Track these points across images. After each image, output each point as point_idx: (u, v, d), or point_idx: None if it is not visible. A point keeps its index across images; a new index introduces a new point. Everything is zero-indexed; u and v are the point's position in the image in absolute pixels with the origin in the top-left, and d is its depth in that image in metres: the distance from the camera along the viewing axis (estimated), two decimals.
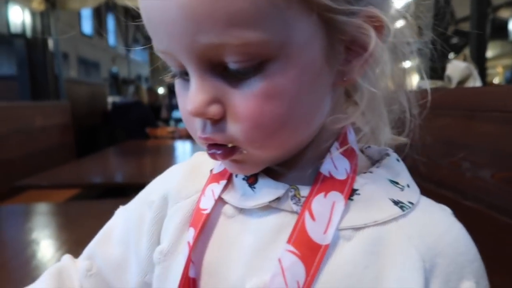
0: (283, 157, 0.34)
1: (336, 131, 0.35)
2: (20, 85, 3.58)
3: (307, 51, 0.29)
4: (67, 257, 0.48)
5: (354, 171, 0.34)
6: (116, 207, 1.82)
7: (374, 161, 0.38)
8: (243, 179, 0.37)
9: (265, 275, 0.32)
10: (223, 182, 0.38)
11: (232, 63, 0.28)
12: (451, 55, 1.14)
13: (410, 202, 0.33)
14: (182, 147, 3.62)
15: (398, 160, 0.38)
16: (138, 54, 17.72)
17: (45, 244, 1.18)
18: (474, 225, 0.82)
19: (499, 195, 0.69)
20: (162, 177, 0.46)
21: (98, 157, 3.03)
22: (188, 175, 0.43)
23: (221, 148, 0.31)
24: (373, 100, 0.34)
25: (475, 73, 1.05)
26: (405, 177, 0.36)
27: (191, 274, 0.35)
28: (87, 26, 11.48)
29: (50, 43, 3.76)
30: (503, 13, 5.98)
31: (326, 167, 0.34)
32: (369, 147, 0.39)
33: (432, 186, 0.92)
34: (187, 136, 4.06)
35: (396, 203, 0.33)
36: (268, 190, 0.34)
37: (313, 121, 0.32)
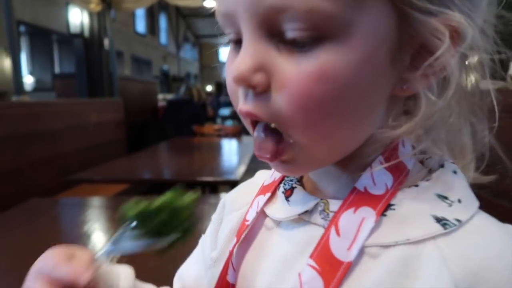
0: (328, 157, 0.32)
1: (384, 144, 0.32)
2: (78, 82, 3.80)
3: (373, 40, 0.27)
4: None
5: (397, 186, 0.31)
6: None
7: (427, 170, 0.34)
8: (282, 192, 0.37)
9: (287, 286, 0.32)
10: (268, 194, 0.38)
11: (291, 31, 0.26)
12: None
13: (457, 220, 0.29)
14: (228, 145, 3.66)
15: (455, 172, 0.33)
16: (187, 52, 18.21)
17: (96, 236, 1.23)
18: None
19: None
20: (233, 190, 0.48)
21: (148, 153, 3.14)
22: (244, 189, 0.45)
23: (270, 144, 0.30)
24: (431, 119, 0.30)
25: None
26: (458, 191, 0.31)
27: (230, 279, 0.37)
28: (140, 25, 11.95)
29: (106, 42, 3.95)
30: None
31: (362, 182, 0.31)
32: (430, 157, 0.34)
33: (490, 196, 0.85)
34: (232, 134, 4.10)
35: (438, 220, 0.29)
36: (299, 203, 0.34)
37: (363, 123, 0.30)
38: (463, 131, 0.33)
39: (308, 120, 0.28)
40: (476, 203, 0.31)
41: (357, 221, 0.30)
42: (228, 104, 8.64)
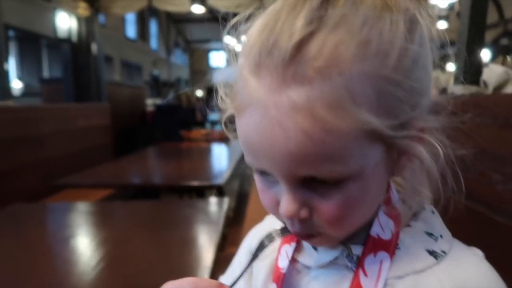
0: (346, 236, 0.41)
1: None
2: (66, 87, 3.77)
3: (375, 168, 0.36)
4: None
5: (398, 230, 0.41)
6: (151, 209, 1.87)
7: (413, 212, 0.44)
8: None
9: None
10: (294, 244, 0.47)
11: (321, 179, 0.35)
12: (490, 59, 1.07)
13: (443, 251, 0.40)
14: (215, 150, 3.66)
15: (433, 212, 0.44)
16: (178, 57, 18.18)
17: (83, 241, 1.22)
18: (504, 243, 0.77)
19: None
20: (249, 238, 0.56)
21: (134, 158, 3.12)
22: (258, 236, 0.52)
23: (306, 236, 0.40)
24: (416, 187, 0.41)
25: None
26: (438, 228, 0.42)
27: None
28: (131, 30, 11.92)
29: (94, 47, 3.93)
30: None
31: (374, 230, 0.41)
32: (410, 198, 0.44)
33: (458, 198, 0.86)
34: (220, 139, 4.10)
35: (431, 253, 0.40)
36: (327, 251, 0.43)
37: (375, 207, 0.41)
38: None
39: (341, 229, 0.38)
40: (450, 235, 0.42)
41: (377, 263, 0.40)
42: (218, 109, 8.61)
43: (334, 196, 0.36)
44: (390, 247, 0.40)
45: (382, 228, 0.41)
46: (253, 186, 2.86)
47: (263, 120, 0.34)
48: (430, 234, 0.41)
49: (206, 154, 3.43)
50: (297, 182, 0.36)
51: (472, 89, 1.04)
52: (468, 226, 0.83)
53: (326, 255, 0.43)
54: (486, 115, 0.81)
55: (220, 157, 3.35)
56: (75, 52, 3.80)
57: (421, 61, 0.38)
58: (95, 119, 3.52)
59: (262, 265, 0.50)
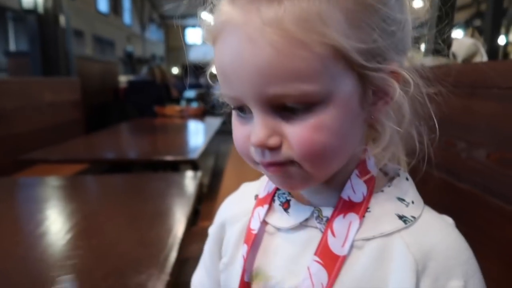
0: (324, 177, 0.41)
1: (356, 160, 0.43)
2: (32, 61, 3.60)
3: (346, 97, 0.37)
4: None
5: (370, 194, 0.42)
6: (123, 182, 1.83)
7: (389, 178, 0.45)
8: (279, 204, 0.47)
9: (299, 278, 0.42)
10: (266, 206, 0.48)
11: (291, 104, 0.36)
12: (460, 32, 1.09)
13: (412, 216, 0.41)
14: (189, 126, 3.62)
15: (407, 179, 0.45)
16: (153, 33, 17.68)
17: (51, 214, 1.19)
18: (468, 208, 0.79)
19: (493, 177, 0.66)
20: (220, 210, 0.57)
21: (107, 133, 3.05)
22: (237, 204, 0.55)
23: (275, 166, 0.39)
24: (393, 134, 0.41)
25: (482, 50, 1.00)
26: (411, 195, 0.43)
27: (246, 279, 0.47)
28: (102, 4, 11.46)
29: (62, 19, 3.76)
30: None
31: (346, 193, 0.42)
32: (386, 165, 0.45)
33: (427, 167, 0.88)
34: (195, 116, 4.05)
35: (400, 217, 0.41)
36: (298, 213, 0.44)
37: (349, 150, 0.40)
38: (413, 137, 0.44)
39: (313, 158, 0.37)
40: (422, 202, 0.43)
41: (346, 224, 0.41)
42: (194, 86, 8.50)
43: (304, 121, 0.36)
44: (360, 209, 0.41)
45: (354, 191, 0.42)
46: (228, 162, 2.86)
47: (235, 39, 0.36)
48: (401, 200, 0.42)
49: (180, 130, 3.39)
50: (268, 107, 0.37)
51: (442, 60, 1.05)
52: (434, 194, 0.85)
53: (296, 217, 0.44)
54: (453, 84, 0.82)
55: (195, 133, 3.32)
56: (41, 24, 3.61)
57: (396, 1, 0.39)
58: (64, 94, 3.39)
59: (235, 229, 0.52)
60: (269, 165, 0.39)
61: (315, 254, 0.41)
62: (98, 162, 2.48)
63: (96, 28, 10.72)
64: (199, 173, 1.64)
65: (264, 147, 0.38)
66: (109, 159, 2.35)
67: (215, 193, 2.25)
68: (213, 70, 0.43)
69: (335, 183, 0.43)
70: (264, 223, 0.48)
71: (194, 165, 2.07)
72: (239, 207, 0.53)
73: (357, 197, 0.42)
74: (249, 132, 0.39)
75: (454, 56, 1.05)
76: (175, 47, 20.47)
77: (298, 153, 0.37)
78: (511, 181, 0.60)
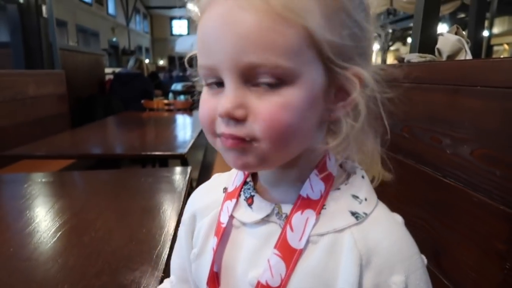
0: (279, 162, 0.43)
1: (316, 159, 0.45)
2: (14, 52, 3.52)
3: (313, 83, 0.40)
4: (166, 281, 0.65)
5: (327, 191, 0.44)
6: (112, 178, 1.81)
7: (347, 175, 0.47)
8: (244, 199, 0.50)
9: (260, 269, 0.45)
10: (234, 200, 0.51)
11: (262, 78, 0.38)
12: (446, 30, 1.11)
13: (364, 213, 0.43)
14: (177, 119, 3.60)
15: (363, 176, 0.47)
16: (138, 24, 17.41)
17: (39, 211, 1.18)
18: (451, 203, 0.82)
19: (475, 173, 0.68)
20: (191, 199, 0.60)
21: (93, 127, 3.02)
22: (208, 195, 0.57)
23: (234, 139, 0.40)
24: (351, 134, 0.43)
25: (467, 46, 1.02)
26: (364, 192, 0.45)
27: (215, 269, 0.50)
28: None
29: (44, 9, 3.67)
30: None
31: (305, 191, 0.45)
32: (346, 162, 0.48)
33: (413, 162, 0.91)
34: (183, 109, 4.03)
35: (353, 214, 0.43)
36: (260, 209, 0.47)
37: (307, 138, 0.43)
38: (370, 139, 0.46)
39: (274, 136, 0.39)
40: (375, 200, 0.45)
41: (304, 220, 0.43)
42: (181, 79, 8.42)
43: (273, 99, 0.39)
44: (317, 206, 0.44)
45: (312, 189, 0.45)
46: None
47: (222, 7, 0.39)
48: (355, 197, 0.44)
49: (168, 124, 3.37)
50: (241, 78, 0.39)
51: (427, 57, 1.07)
52: (420, 189, 0.88)
53: (259, 212, 0.47)
54: (438, 81, 0.84)
55: (183, 127, 3.31)
56: (23, 14, 3.53)
57: (366, 11, 0.43)
58: (48, 87, 3.33)
59: (205, 220, 0.54)
60: (229, 137, 0.41)
61: (275, 247, 0.44)
62: (85, 157, 2.45)
63: (80, 18, 10.50)
64: (189, 169, 1.64)
65: (230, 117, 0.39)
66: (96, 154, 2.32)
67: None
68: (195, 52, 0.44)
69: (295, 179, 0.46)
70: (231, 217, 0.50)
71: (183, 160, 2.07)
72: (209, 198, 0.56)
73: (315, 195, 0.44)
74: (217, 104, 0.40)
75: (440, 52, 1.07)
76: (161, 38, 20.22)
77: (263, 129, 0.39)
78: (494, 177, 0.63)
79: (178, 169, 1.74)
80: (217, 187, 0.56)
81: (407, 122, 0.99)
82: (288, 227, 0.44)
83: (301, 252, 0.43)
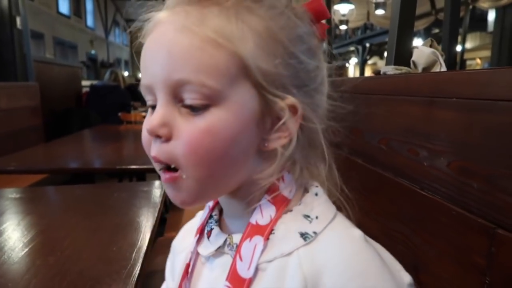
0: (214, 194, 0.45)
1: (266, 186, 0.43)
2: None
3: (242, 110, 0.39)
4: None
5: (279, 215, 0.43)
6: (85, 193, 1.74)
7: (304, 194, 0.46)
8: (206, 233, 0.50)
9: None
10: (197, 236, 0.51)
11: (189, 99, 0.38)
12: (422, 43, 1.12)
13: (314, 232, 0.41)
14: None
15: (316, 194, 0.45)
16: (117, 37, 17.28)
17: (7, 229, 1.11)
18: (430, 216, 0.81)
19: (453, 185, 0.67)
20: (178, 233, 0.61)
21: (68, 141, 2.93)
22: (185, 233, 0.58)
23: (168, 173, 0.41)
24: (287, 162, 0.43)
25: (441, 59, 1.03)
26: (316, 210, 0.43)
27: None
28: (64, 6, 11.09)
29: (19, 20, 3.59)
30: (483, 4, 6.01)
31: (254, 217, 0.43)
32: (307, 182, 0.46)
33: (391, 175, 0.90)
34: None
35: (302, 235, 0.41)
36: (215, 241, 0.47)
37: (238, 168, 0.42)
38: (320, 167, 0.46)
39: (197, 162, 0.39)
40: (330, 216, 0.43)
41: (252, 247, 0.42)
42: None
43: (197, 122, 0.39)
44: (266, 231, 0.42)
45: (262, 214, 0.43)
46: None
47: (160, 30, 0.41)
48: (306, 216, 0.42)
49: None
50: (171, 97, 0.39)
51: (403, 69, 1.08)
52: (399, 202, 0.86)
53: (214, 244, 0.47)
54: (414, 93, 0.84)
55: None
56: None
57: (308, 46, 0.43)
58: (21, 100, 3.23)
59: (180, 258, 0.55)
60: (155, 159, 0.41)
61: (226, 279, 0.42)
62: (59, 172, 2.37)
63: (57, 31, 10.34)
64: None
65: (154, 134, 0.40)
66: (70, 169, 2.24)
67: None
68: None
69: (245, 207, 0.44)
70: (196, 251, 0.51)
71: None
72: (186, 234, 0.57)
73: (264, 220, 0.43)
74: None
75: (415, 65, 1.08)
76: (141, 51, 20.06)
77: (183, 152, 0.39)
78: (472, 189, 0.62)
79: (155, 183, 1.69)
80: (195, 225, 0.55)
81: (384, 134, 0.98)
82: (237, 257, 0.42)
83: (250, 281, 0.41)
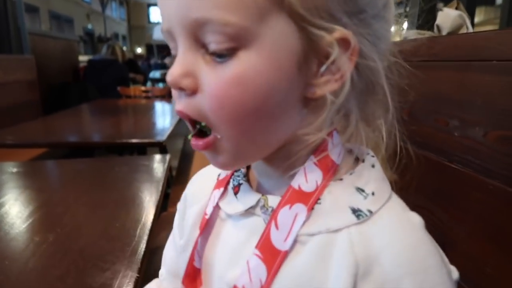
0: (251, 153, 0.37)
1: (312, 144, 0.36)
2: None
3: (278, 51, 0.32)
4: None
5: (326, 182, 0.36)
6: (86, 167, 1.68)
7: (356, 162, 0.39)
8: (232, 188, 0.44)
9: (239, 270, 0.37)
10: (221, 189, 0.44)
11: (212, 44, 0.32)
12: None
13: (369, 211, 0.35)
14: (157, 107, 3.47)
15: (373, 166, 0.38)
16: (114, 11, 16.90)
17: (6, 204, 1.06)
18: (460, 190, 0.75)
19: (490, 157, 0.61)
20: (189, 183, 0.54)
21: (66, 115, 2.86)
22: (201, 182, 0.52)
23: (200, 140, 0.36)
24: (349, 118, 0.36)
25: (468, 22, 0.95)
26: (373, 184, 0.37)
27: (197, 265, 0.45)
28: None
29: None
30: None
31: (297, 181, 0.37)
32: (355, 146, 0.40)
33: (414, 147, 0.83)
34: (161, 96, 3.89)
35: (354, 211, 0.35)
36: (245, 199, 0.41)
37: (278, 122, 0.35)
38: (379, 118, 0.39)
39: (228, 118, 0.33)
40: (386, 194, 0.37)
41: (292, 216, 0.36)
42: (159, 66, 8.22)
43: (224, 70, 0.32)
44: (310, 200, 0.36)
45: (307, 179, 0.37)
46: None
47: None
48: (361, 190, 0.36)
49: (146, 111, 3.23)
50: (192, 40, 0.33)
51: (426, 34, 1.00)
52: (424, 176, 0.81)
53: (243, 203, 0.41)
54: (444, 58, 0.77)
55: (162, 114, 3.18)
56: None
57: None
58: (17, 73, 3.14)
59: (192, 210, 0.49)
60: (181, 115, 0.36)
61: (256, 247, 0.37)
62: (58, 146, 2.31)
63: (53, 4, 10.08)
64: (168, 156, 1.54)
65: (176, 87, 0.34)
66: (70, 143, 2.18)
67: (185, 176, 2.15)
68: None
69: (286, 168, 0.38)
70: (217, 207, 0.44)
71: (162, 147, 1.97)
72: (201, 185, 0.51)
73: (309, 187, 0.36)
74: None
75: (439, 29, 1.01)
76: (138, 25, 19.71)
77: (210, 107, 0.33)
78: None
79: (156, 157, 1.63)
80: (212, 174, 0.49)
81: (406, 104, 0.91)
82: (273, 224, 0.36)
83: (286, 254, 0.36)
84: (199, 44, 0.33)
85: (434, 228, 0.74)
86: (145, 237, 0.83)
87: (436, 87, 0.80)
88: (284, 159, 0.38)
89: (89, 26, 12.98)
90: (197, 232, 0.45)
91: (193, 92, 0.34)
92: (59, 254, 0.77)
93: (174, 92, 0.37)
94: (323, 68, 0.34)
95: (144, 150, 2.33)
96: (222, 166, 0.38)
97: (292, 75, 0.33)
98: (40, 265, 0.73)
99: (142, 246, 0.79)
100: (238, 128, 0.34)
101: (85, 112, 3.12)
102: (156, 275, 0.61)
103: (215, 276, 0.42)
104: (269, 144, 0.37)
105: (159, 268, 0.59)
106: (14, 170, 1.47)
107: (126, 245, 0.79)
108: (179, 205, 0.54)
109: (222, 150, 0.36)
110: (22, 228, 0.89)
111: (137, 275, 0.69)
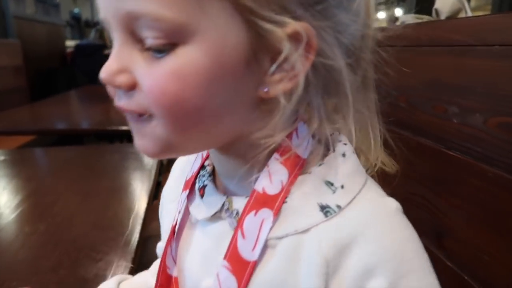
0: (189, 147, 0.35)
1: (270, 147, 0.34)
2: None
3: (221, 47, 0.29)
4: None
5: (291, 181, 0.34)
6: (75, 155, 1.66)
7: (327, 151, 0.37)
8: (198, 189, 0.41)
9: (211, 281, 0.35)
10: (187, 191, 0.41)
11: (149, 39, 0.29)
12: None
13: (338, 206, 0.33)
14: None
15: (343, 155, 0.36)
16: None
17: (2, 194, 1.04)
18: (458, 178, 0.75)
19: (491, 144, 0.60)
20: (170, 175, 0.51)
21: (54, 101, 2.81)
22: (175, 177, 0.48)
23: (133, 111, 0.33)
24: (309, 111, 0.34)
25: (467, 6, 0.94)
26: (342, 176, 0.34)
27: (171, 272, 0.42)
28: None
29: None
30: None
31: (260, 183, 0.34)
32: (332, 135, 0.37)
33: (410, 134, 0.82)
34: None
35: (322, 208, 0.33)
36: (211, 202, 0.38)
37: (223, 124, 0.33)
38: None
39: (167, 114, 0.31)
40: (358, 186, 0.34)
41: (258, 223, 0.33)
42: None
43: (162, 65, 0.29)
44: (276, 203, 0.33)
45: (271, 179, 0.34)
46: None
47: None
48: (329, 184, 0.34)
49: None
50: (127, 34, 0.30)
51: (424, 18, 0.99)
52: (420, 163, 0.80)
53: (209, 206, 0.38)
54: (442, 43, 0.75)
55: None
56: None
57: None
58: (2, 58, 3.05)
59: (168, 209, 0.46)
60: (126, 112, 0.33)
61: (224, 258, 0.34)
62: (46, 133, 2.27)
63: None
64: None
65: (111, 84, 0.32)
66: (58, 130, 2.14)
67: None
68: None
69: (246, 171, 0.35)
70: (187, 210, 0.41)
71: None
72: (176, 182, 0.47)
73: (273, 188, 0.34)
74: None
75: (437, 13, 0.99)
76: None
77: (150, 102, 0.31)
78: None
79: None
80: (185, 168, 0.46)
81: (403, 90, 0.90)
82: (239, 233, 0.34)
83: (255, 264, 0.33)
84: (136, 38, 0.30)
85: (431, 216, 0.74)
86: (138, 227, 0.81)
87: (434, 73, 0.78)
88: (240, 163, 0.36)
89: (76, 10, 12.68)
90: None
91: (130, 88, 0.31)
92: (50, 244, 0.75)
93: (110, 89, 0.34)
94: (273, 67, 0.30)
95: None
96: (145, 151, 0.35)
97: (239, 73, 0.30)
98: (31, 256, 0.71)
99: (136, 235, 0.78)
100: (176, 122, 0.31)
101: (74, 99, 3.06)
102: (148, 265, 0.59)
103: (188, 285, 0.40)
104: (207, 144, 0.35)
105: (151, 257, 0.58)
106: (1, 158, 1.44)
107: (119, 235, 0.77)
108: (159, 207, 0.51)
109: (149, 134, 0.33)
110: (11, 219, 0.87)
111: (131, 265, 0.68)
